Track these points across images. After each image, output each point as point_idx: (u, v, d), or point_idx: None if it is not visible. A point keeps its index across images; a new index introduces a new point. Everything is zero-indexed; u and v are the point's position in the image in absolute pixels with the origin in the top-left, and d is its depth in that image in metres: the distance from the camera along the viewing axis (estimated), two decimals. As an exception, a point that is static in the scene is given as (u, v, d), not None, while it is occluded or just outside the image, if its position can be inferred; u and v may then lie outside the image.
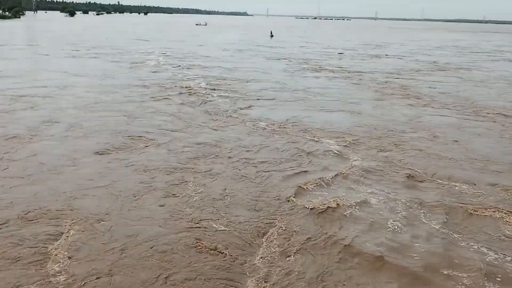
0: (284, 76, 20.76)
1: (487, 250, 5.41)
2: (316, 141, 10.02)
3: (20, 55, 26.06)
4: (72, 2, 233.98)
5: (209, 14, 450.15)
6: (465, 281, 4.78)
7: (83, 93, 14.76)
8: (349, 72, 22.99)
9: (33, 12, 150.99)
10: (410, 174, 7.94)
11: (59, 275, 4.58)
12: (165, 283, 4.53)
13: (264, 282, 4.62)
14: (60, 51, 28.71)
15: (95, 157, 8.35)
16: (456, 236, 5.78)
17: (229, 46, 38.95)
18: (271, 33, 59.89)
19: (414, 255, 5.28)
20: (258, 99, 14.83)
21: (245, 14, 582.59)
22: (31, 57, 25.83)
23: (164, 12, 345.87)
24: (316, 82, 19.25)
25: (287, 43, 45.80)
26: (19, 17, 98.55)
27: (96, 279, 4.54)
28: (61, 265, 4.74)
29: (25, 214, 5.89)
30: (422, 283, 4.76)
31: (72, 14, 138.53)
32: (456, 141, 10.39)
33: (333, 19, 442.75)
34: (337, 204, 6.52)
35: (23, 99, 13.39)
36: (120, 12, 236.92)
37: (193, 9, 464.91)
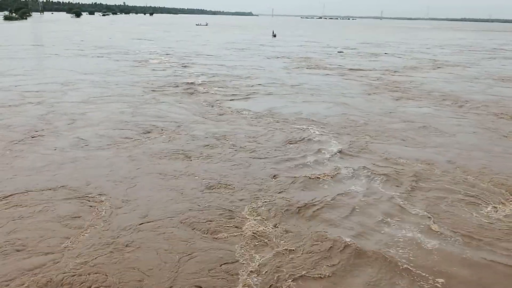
0: (281, 73, 21.45)
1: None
2: (304, 129, 10.88)
3: (27, 55, 26.90)
4: (78, 3, 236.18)
5: (214, 14, 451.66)
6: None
7: (88, 89, 15.55)
8: (345, 70, 23.63)
9: (39, 13, 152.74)
10: (384, 157, 8.67)
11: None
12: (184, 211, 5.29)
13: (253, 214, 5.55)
14: (65, 51, 29.56)
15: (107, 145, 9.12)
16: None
17: (231, 46, 39.68)
18: (273, 32, 60.38)
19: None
20: (253, 94, 15.57)
21: (250, 14, 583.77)
22: (37, 57, 26.64)
23: (169, 13, 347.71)
24: (312, 79, 19.92)
25: (289, 42, 46.44)
26: (26, 18, 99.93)
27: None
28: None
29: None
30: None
31: (78, 15, 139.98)
32: (424, 126, 11.52)
33: (338, 18, 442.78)
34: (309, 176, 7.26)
35: (31, 94, 14.20)
36: (125, 13, 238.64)
37: (198, 9, 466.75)
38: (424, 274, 4.90)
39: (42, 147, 8.88)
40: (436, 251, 5.38)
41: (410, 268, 5.00)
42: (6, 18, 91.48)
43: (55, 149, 8.73)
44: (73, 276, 4.60)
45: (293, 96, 15.58)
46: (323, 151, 9.20)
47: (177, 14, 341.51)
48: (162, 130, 10.41)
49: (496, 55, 36.98)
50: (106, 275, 4.65)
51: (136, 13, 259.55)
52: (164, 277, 4.68)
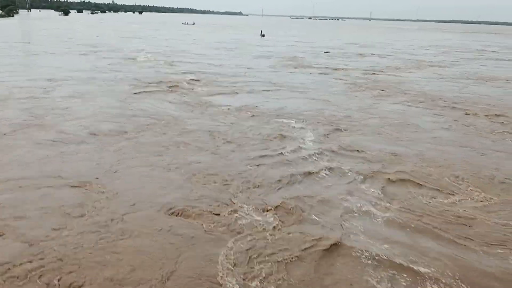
0: (267, 72, 21.89)
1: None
2: (284, 122, 11.55)
3: (15, 52, 26.96)
4: (67, 1, 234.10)
5: (204, 13, 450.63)
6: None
7: (76, 85, 15.80)
8: (330, 69, 24.14)
9: (26, 10, 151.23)
10: (355, 148, 9.18)
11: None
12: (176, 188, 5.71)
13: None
14: (53, 49, 29.66)
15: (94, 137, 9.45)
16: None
17: (219, 45, 40.01)
18: (261, 32, 60.81)
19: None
20: (238, 91, 15.98)
21: (240, 14, 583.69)
22: (25, 54, 26.72)
23: (158, 11, 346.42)
24: (297, 77, 20.38)
25: (277, 42, 46.90)
26: (13, 16, 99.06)
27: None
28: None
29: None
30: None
31: (66, 13, 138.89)
32: (399, 122, 12.07)
33: (328, 19, 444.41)
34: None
35: (19, 89, 14.43)
36: (114, 11, 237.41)
37: (188, 8, 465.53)
38: (371, 241, 5.60)
39: (29, 140, 9.17)
40: (382, 222, 6.13)
41: (360, 233, 5.74)
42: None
43: (41, 142, 9.03)
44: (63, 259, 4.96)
45: (277, 93, 16.10)
46: (298, 142, 9.76)
47: (167, 13, 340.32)
48: (147, 124, 10.75)
49: (479, 56, 37.85)
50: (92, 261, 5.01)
51: (125, 11, 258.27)
52: (145, 259, 5.05)
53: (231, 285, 4.57)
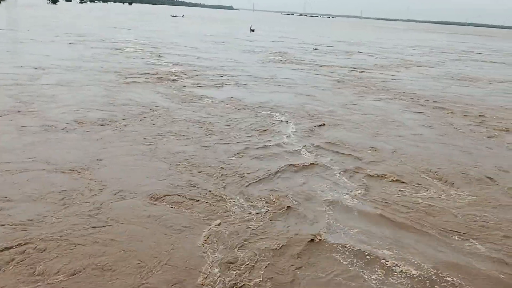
0: (255, 67, 22.07)
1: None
2: (267, 114, 11.82)
3: (1, 39, 26.67)
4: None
5: (194, 6, 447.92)
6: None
7: (62, 73, 15.79)
8: (317, 66, 24.41)
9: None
10: (334, 141, 9.42)
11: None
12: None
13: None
14: (40, 37, 29.38)
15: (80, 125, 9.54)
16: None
17: (208, 38, 40.02)
18: (251, 27, 60.81)
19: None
20: (225, 84, 16.14)
21: (230, 8, 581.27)
22: (12, 42, 26.45)
23: (149, 3, 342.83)
24: (283, 73, 20.57)
25: (266, 37, 47.06)
26: (0, 3, 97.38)
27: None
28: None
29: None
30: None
31: (54, 1, 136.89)
32: (380, 119, 12.39)
33: (319, 16, 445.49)
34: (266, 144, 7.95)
35: (4, 76, 14.39)
36: (103, 1, 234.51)
37: (178, 1, 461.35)
38: (340, 225, 5.99)
39: (14, 127, 9.23)
40: (353, 208, 6.51)
41: (332, 221, 6.07)
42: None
43: (27, 129, 9.10)
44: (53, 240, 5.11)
45: (263, 87, 16.31)
46: (279, 133, 10.12)
47: (157, 4, 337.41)
48: (132, 114, 10.86)
49: (464, 58, 38.50)
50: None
51: (115, 1, 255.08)
52: (130, 243, 5.23)
53: (211, 269, 4.76)
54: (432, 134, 11.12)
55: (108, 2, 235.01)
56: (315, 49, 36.75)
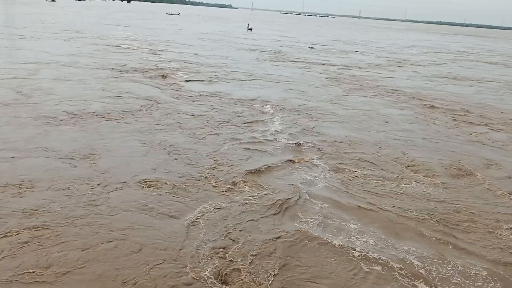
0: (250, 64, 22.44)
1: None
2: (267, 108, 12.52)
3: (1, 37, 26.98)
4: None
5: (193, 4, 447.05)
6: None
7: (60, 69, 16.14)
8: (311, 64, 24.78)
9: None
10: (318, 132, 9.83)
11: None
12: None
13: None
14: (38, 34, 29.65)
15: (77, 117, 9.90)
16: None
17: (205, 36, 40.34)
18: (248, 26, 61.06)
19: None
20: (218, 80, 16.53)
21: (229, 6, 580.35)
22: (9, 38, 26.72)
23: (147, 1, 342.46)
24: (277, 70, 20.96)
25: (263, 36, 47.40)
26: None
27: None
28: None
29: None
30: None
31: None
32: (366, 114, 12.84)
33: (317, 16, 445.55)
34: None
35: (3, 71, 14.74)
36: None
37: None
38: (313, 200, 6.60)
39: (13, 118, 9.59)
40: (323, 187, 7.04)
41: (308, 197, 6.66)
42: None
43: (25, 121, 9.46)
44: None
45: (256, 83, 16.81)
46: (267, 124, 10.75)
47: (155, 2, 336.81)
48: (128, 107, 11.23)
49: (459, 57, 38.94)
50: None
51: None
52: (124, 225, 5.60)
53: (198, 243, 5.14)
54: (418, 130, 11.46)
55: (106, 0, 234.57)
56: (311, 48, 37.11)
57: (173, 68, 18.71)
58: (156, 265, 4.69)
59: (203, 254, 4.95)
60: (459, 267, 5.10)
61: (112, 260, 4.72)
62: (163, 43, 29.63)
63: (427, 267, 5.03)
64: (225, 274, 4.64)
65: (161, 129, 9.61)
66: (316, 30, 78.29)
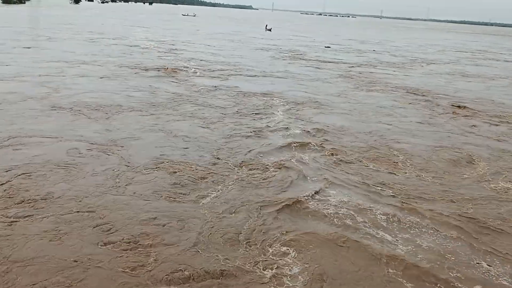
0: (264, 63, 23.15)
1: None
2: (276, 100, 13.58)
3: (27, 37, 28.36)
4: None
5: (214, 6, 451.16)
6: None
7: (82, 68, 17.21)
8: (326, 62, 25.32)
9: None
10: (318, 121, 10.50)
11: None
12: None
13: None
14: (63, 35, 31.02)
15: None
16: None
17: (223, 36, 41.25)
18: (267, 26, 61.52)
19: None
20: (232, 76, 17.33)
21: (250, 7, 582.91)
22: (35, 39, 28.08)
23: (169, 3, 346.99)
24: (291, 68, 21.60)
25: (281, 36, 48.03)
26: (24, 3, 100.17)
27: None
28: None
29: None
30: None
31: (77, 1, 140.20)
32: (369, 108, 13.48)
33: (338, 16, 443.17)
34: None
35: (31, 70, 15.87)
36: (125, 1, 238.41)
37: (198, 0, 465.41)
38: (309, 177, 7.36)
39: (47, 109, 10.59)
40: (319, 165, 7.61)
41: (300, 170, 7.52)
42: (5, 1, 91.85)
43: (57, 111, 10.47)
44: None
45: (267, 79, 17.71)
46: (272, 113, 11.83)
47: (177, 4, 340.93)
48: (146, 100, 12.15)
49: (477, 56, 38.82)
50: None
51: (136, 1, 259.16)
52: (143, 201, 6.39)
53: (208, 213, 5.89)
54: (417, 124, 11.95)
55: (129, 2, 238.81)
56: (327, 47, 37.54)
57: (189, 66, 19.59)
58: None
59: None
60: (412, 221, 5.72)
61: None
62: (181, 43, 30.59)
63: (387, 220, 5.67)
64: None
65: (177, 120, 10.56)
66: (335, 30, 78.51)
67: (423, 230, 5.88)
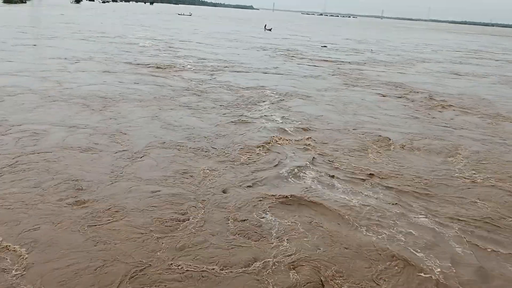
0: (259, 60, 23.81)
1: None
2: (265, 93, 14.47)
3: (30, 36, 29.03)
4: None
5: (215, 6, 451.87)
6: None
7: (84, 64, 17.90)
8: (318, 60, 25.96)
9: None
10: (302, 111, 11.16)
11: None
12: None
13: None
14: (65, 34, 31.70)
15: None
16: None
17: (221, 36, 41.89)
18: (266, 26, 62.02)
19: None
20: (224, 72, 17.99)
21: (251, 7, 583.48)
22: (37, 38, 28.75)
23: (169, 3, 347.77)
24: (285, 66, 22.24)
25: (279, 36, 48.64)
26: (25, 2, 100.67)
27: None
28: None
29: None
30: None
31: (78, 1, 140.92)
32: (353, 102, 14.23)
33: (339, 16, 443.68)
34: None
35: (37, 66, 16.57)
36: (126, 1, 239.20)
37: (199, 0, 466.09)
38: (284, 142, 7.52)
39: (52, 101, 11.27)
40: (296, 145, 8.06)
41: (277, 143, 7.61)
42: (6, 1, 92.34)
43: (63, 103, 11.13)
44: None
45: (261, 75, 18.47)
46: (259, 104, 12.77)
47: (178, 4, 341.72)
48: (143, 92, 12.83)
49: (472, 56, 39.39)
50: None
51: (136, 1, 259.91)
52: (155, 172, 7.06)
53: (206, 189, 6.56)
54: (400, 117, 12.62)
55: (130, 2, 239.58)
56: (324, 46, 38.12)
57: (186, 62, 20.28)
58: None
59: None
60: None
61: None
62: (180, 42, 31.26)
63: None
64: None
65: (172, 109, 11.48)
66: (334, 30, 79.10)
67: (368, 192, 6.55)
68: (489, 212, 6.55)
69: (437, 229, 5.95)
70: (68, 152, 7.77)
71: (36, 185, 6.35)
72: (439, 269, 4.99)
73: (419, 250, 5.36)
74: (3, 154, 7.42)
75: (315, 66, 23.21)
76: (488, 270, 5.09)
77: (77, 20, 49.83)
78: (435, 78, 21.42)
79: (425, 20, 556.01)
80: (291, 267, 4.83)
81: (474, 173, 8.16)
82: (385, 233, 5.71)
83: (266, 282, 4.56)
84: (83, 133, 8.88)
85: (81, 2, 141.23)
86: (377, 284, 4.68)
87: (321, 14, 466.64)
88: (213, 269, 4.71)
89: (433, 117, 12.76)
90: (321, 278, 4.69)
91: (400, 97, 15.63)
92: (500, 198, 7.10)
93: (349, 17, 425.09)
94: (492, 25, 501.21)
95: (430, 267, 5.02)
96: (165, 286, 4.41)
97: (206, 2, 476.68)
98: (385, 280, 4.75)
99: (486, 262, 5.26)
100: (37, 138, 8.41)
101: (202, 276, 4.59)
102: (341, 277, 4.74)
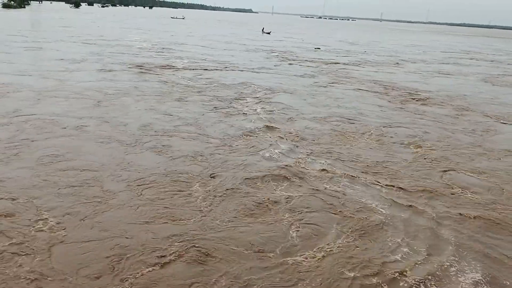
0: (252, 61, 24.66)
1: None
2: (257, 89, 15.55)
3: (28, 39, 29.88)
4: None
5: (214, 10, 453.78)
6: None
7: (83, 65, 18.74)
8: (308, 61, 26.78)
9: (38, 2, 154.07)
10: (288, 106, 11.99)
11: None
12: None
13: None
14: (63, 37, 32.56)
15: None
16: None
17: (218, 38, 42.74)
18: (264, 29, 62.58)
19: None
20: (217, 70, 18.83)
21: (250, 11, 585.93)
22: (36, 41, 29.58)
23: (169, 7, 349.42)
24: (276, 67, 23.07)
25: (275, 38, 49.49)
26: (24, 7, 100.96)
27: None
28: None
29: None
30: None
31: (77, 5, 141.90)
32: (338, 98, 15.22)
33: (338, 19, 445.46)
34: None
35: (34, 68, 17.41)
36: (125, 5, 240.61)
37: (198, 4, 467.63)
38: (265, 132, 8.24)
39: (51, 95, 12.11)
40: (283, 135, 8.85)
41: (257, 129, 8.34)
42: (5, 5, 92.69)
43: (68, 98, 11.98)
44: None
45: (252, 74, 19.37)
46: (247, 99, 13.71)
47: (177, 8, 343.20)
48: (141, 89, 13.69)
49: (463, 56, 40.23)
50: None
51: (136, 5, 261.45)
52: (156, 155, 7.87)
53: (200, 173, 7.36)
54: (384, 111, 13.50)
55: (130, 6, 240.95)
56: (317, 48, 38.91)
57: (181, 63, 21.18)
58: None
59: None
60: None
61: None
62: (174, 45, 32.09)
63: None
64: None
65: (167, 103, 12.53)
66: (331, 33, 80.00)
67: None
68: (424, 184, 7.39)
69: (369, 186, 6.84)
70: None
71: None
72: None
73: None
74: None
75: (306, 66, 24.03)
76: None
77: (77, 24, 50.74)
78: (420, 77, 22.24)
79: (424, 23, 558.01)
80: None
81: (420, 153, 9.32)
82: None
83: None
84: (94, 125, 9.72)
85: (80, 7, 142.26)
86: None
87: (320, 17, 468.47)
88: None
89: (405, 110, 13.76)
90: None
91: (379, 93, 16.50)
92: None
93: (348, 19, 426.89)
94: (491, 27, 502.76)
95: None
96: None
97: (206, 6, 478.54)
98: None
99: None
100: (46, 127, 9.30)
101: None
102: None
